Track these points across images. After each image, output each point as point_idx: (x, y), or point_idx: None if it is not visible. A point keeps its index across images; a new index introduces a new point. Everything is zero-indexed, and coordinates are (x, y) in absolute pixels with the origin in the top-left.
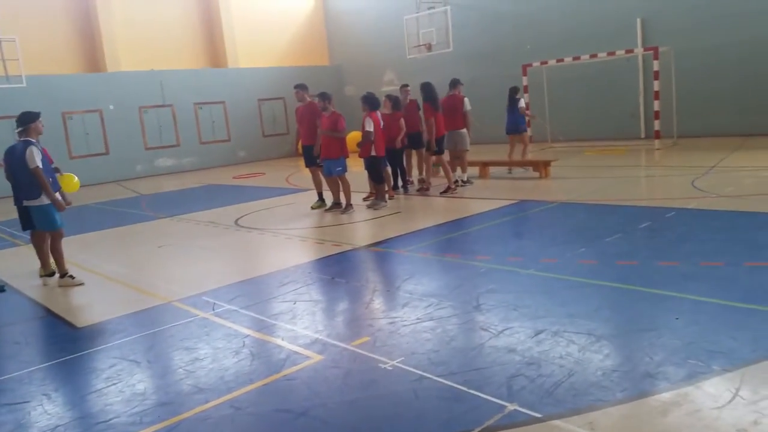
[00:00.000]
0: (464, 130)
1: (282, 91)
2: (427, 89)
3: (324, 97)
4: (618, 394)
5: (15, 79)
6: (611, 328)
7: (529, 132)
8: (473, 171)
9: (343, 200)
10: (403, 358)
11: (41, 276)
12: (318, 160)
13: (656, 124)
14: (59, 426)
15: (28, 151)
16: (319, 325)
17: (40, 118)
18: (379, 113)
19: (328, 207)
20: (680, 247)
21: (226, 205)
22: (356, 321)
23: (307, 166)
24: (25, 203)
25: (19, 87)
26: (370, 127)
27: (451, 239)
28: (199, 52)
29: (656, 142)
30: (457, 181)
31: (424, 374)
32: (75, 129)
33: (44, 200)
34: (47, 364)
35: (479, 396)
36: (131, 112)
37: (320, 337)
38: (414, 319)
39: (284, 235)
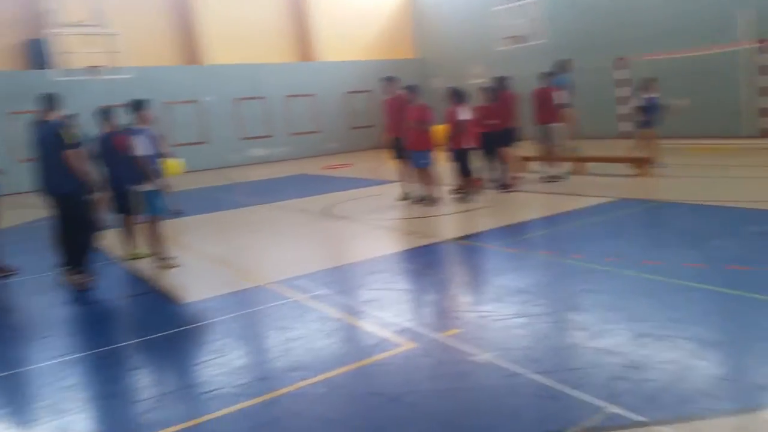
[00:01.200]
0: (556, 124)
1: (368, 84)
2: (502, 82)
3: (412, 89)
4: (728, 404)
5: (121, 70)
6: (721, 335)
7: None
8: (566, 167)
9: (429, 193)
10: (495, 352)
11: (130, 258)
12: (406, 152)
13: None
14: (168, 393)
15: (135, 139)
16: (409, 314)
17: (149, 107)
18: (467, 106)
19: (415, 199)
20: None
21: (315, 194)
22: (446, 312)
23: (395, 158)
24: (131, 188)
25: (126, 78)
26: (464, 116)
27: (544, 236)
28: (290, 46)
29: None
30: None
31: (518, 370)
32: (175, 119)
33: (149, 186)
34: (155, 336)
35: (576, 396)
36: (226, 104)
37: (410, 326)
38: (506, 315)
39: (372, 225)
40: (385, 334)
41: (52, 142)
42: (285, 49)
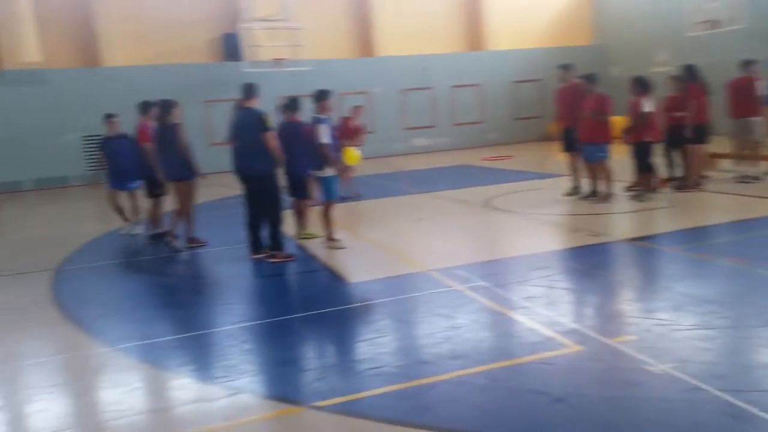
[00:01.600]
0: (756, 118)
1: (538, 73)
2: (691, 71)
3: (590, 77)
4: None
5: (303, 62)
6: None
7: None
8: (765, 166)
9: (602, 188)
10: (674, 364)
11: (303, 238)
12: (578, 145)
13: None
14: (333, 366)
15: (318, 128)
16: (576, 315)
17: (330, 97)
18: (651, 97)
19: (584, 195)
20: None
21: (476, 186)
22: (618, 317)
23: (565, 150)
24: (310, 174)
25: (306, 70)
26: (649, 108)
27: (733, 242)
28: (459, 36)
29: None
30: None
31: (700, 385)
32: (344, 109)
33: (328, 172)
34: (323, 310)
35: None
36: (393, 94)
37: (578, 328)
38: (687, 325)
39: (536, 220)
40: (550, 333)
41: (252, 127)
42: (454, 40)
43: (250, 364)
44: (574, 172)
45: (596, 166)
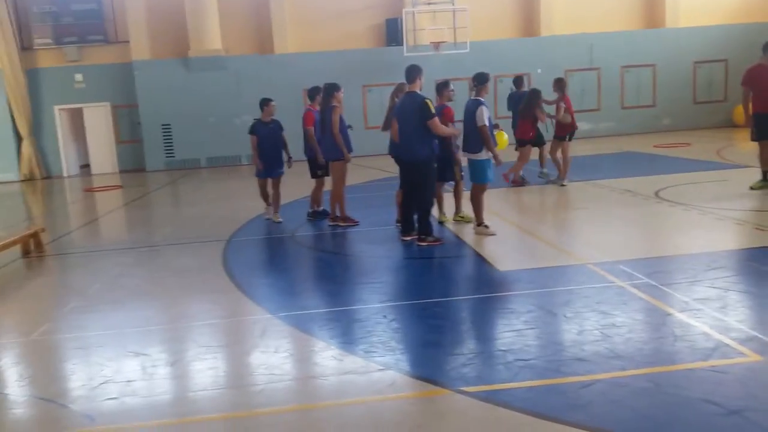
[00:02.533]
0: None
1: (725, 52)
2: None
3: None
4: None
5: (461, 45)
6: None
7: None
8: None
9: None
10: None
11: (455, 221)
12: None
13: None
14: (484, 352)
15: (478, 110)
16: (756, 322)
17: (487, 79)
18: None
19: None
20: None
21: (645, 175)
22: None
23: (756, 139)
24: (467, 156)
25: (463, 52)
26: None
27: None
28: (635, 12)
29: None
30: None
31: None
32: (503, 91)
33: (484, 155)
34: (473, 296)
35: None
36: (556, 75)
37: (758, 335)
38: None
39: (714, 215)
40: (725, 339)
41: (415, 113)
42: (627, 16)
43: (398, 342)
44: (766, 163)
45: None
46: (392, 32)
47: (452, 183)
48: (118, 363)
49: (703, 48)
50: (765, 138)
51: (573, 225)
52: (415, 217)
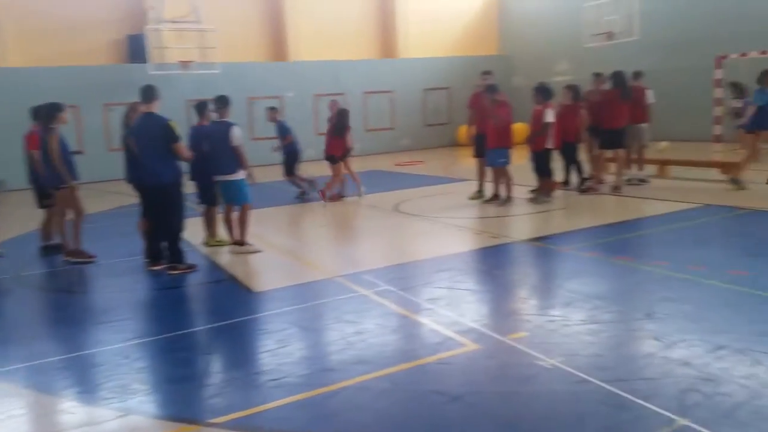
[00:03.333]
0: (645, 125)
1: (448, 81)
2: (618, 77)
3: (491, 89)
4: None
5: (210, 66)
6: None
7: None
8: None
9: (502, 192)
10: (563, 358)
11: (212, 245)
12: (485, 150)
13: None
14: (234, 380)
15: (231, 131)
16: (475, 315)
17: (230, 104)
18: (553, 105)
19: (486, 198)
20: None
21: (386, 191)
22: (513, 315)
23: (475, 156)
24: (220, 178)
25: (214, 73)
26: (551, 118)
27: (623, 241)
28: (373, 42)
29: None
30: (631, 180)
31: (586, 377)
32: (257, 114)
33: (240, 175)
34: (225, 322)
35: (646, 406)
36: (307, 100)
37: (476, 327)
38: (577, 320)
39: (442, 224)
40: (449, 333)
41: (158, 135)
42: (367, 46)
43: (142, 383)
44: (481, 176)
45: (498, 170)
46: (135, 49)
47: (209, 206)
48: None
49: (431, 77)
50: (482, 155)
51: (322, 240)
52: (164, 244)
